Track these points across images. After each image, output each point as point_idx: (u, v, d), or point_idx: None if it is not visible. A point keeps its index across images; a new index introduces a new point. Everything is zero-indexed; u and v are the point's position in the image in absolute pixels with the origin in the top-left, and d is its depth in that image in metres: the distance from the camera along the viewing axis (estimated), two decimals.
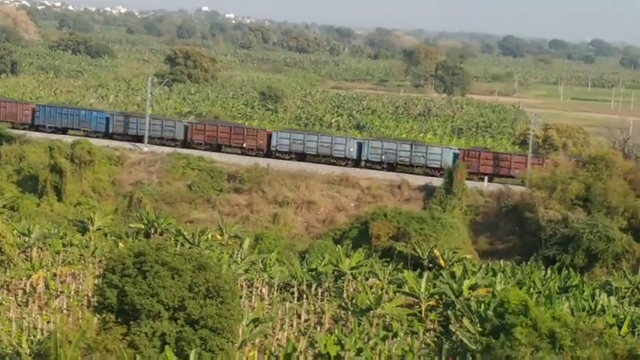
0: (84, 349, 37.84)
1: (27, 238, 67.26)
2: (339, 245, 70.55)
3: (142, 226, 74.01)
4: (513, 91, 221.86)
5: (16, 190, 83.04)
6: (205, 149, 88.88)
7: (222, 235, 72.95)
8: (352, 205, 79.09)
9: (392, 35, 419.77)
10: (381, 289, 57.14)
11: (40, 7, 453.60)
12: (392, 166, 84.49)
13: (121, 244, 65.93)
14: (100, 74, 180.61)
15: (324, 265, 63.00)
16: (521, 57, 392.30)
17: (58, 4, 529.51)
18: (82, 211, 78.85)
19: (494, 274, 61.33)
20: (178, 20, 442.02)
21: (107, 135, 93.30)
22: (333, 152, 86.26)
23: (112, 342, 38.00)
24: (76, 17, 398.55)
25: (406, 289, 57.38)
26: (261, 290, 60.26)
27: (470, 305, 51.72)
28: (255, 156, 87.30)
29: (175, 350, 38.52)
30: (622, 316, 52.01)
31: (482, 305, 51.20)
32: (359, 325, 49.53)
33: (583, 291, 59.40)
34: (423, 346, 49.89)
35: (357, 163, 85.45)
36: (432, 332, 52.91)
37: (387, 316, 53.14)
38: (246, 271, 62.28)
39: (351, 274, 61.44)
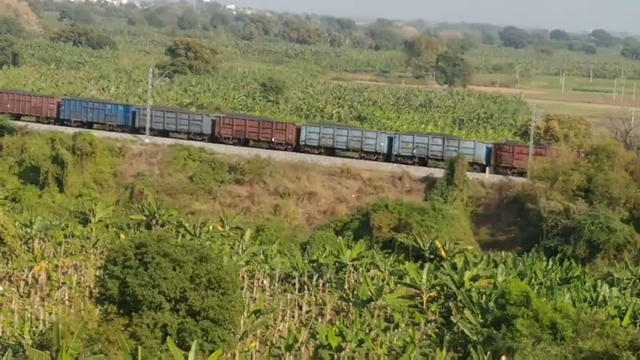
0: (86, 340, 37.93)
1: (29, 230, 67.36)
2: (340, 236, 70.55)
3: (144, 218, 74.09)
4: (514, 82, 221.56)
5: (18, 182, 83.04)
6: (233, 144, 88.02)
7: (223, 226, 73.00)
8: (353, 196, 79.08)
9: (393, 26, 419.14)
10: (382, 281, 57.15)
11: None
12: (423, 161, 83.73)
13: (122, 236, 66.01)
14: (101, 66, 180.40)
15: (326, 257, 63.05)
16: (523, 48, 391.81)
17: None
18: (83, 203, 78.87)
19: (496, 266, 61.36)
20: (179, 11, 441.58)
21: (133, 129, 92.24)
22: (364, 147, 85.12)
23: (113, 333, 38.10)
24: (77, 8, 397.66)
25: (407, 280, 57.42)
26: (262, 282, 60.32)
27: (471, 296, 51.75)
28: (284, 150, 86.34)
29: (177, 341, 38.58)
30: (624, 307, 52.00)
31: (484, 296, 51.26)
32: (360, 316, 49.55)
33: (584, 282, 59.41)
34: (424, 337, 49.94)
35: (387, 157, 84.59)
36: (433, 323, 52.93)
37: (389, 308, 53.18)
38: (247, 262, 62.36)
39: (352, 265, 61.47)
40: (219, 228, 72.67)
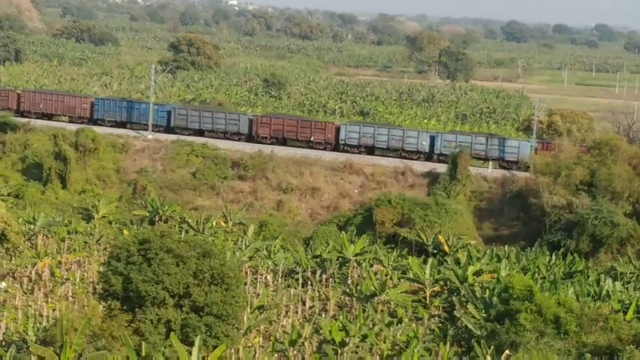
0: (89, 336, 37.98)
1: (32, 226, 67.41)
2: (343, 232, 70.57)
3: (147, 214, 74.12)
4: (517, 76, 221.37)
5: (21, 178, 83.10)
6: (271, 143, 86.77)
7: (226, 222, 73.04)
8: (356, 191, 79.07)
9: (395, 21, 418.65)
10: (386, 276, 57.18)
11: None
12: None
13: (125, 232, 66.03)
14: (104, 62, 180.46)
15: (329, 252, 63.07)
16: (525, 42, 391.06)
17: None
18: (86, 199, 78.92)
19: (499, 260, 61.35)
20: (181, 7, 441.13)
21: (168, 129, 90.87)
22: (405, 146, 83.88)
23: (117, 329, 38.14)
24: (79, 5, 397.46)
25: (411, 275, 57.45)
26: (265, 277, 60.36)
27: (474, 291, 51.76)
28: (323, 149, 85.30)
29: (180, 337, 38.61)
30: (627, 302, 51.99)
31: (487, 291, 51.25)
32: (363, 311, 49.60)
33: (588, 276, 59.42)
34: (427, 332, 49.97)
35: (429, 156, 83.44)
36: (436, 318, 52.96)
37: (392, 303, 53.20)
38: (250, 257, 62.39)
39: (356, 260, 61.48)
40: (223, 224, 72.71)
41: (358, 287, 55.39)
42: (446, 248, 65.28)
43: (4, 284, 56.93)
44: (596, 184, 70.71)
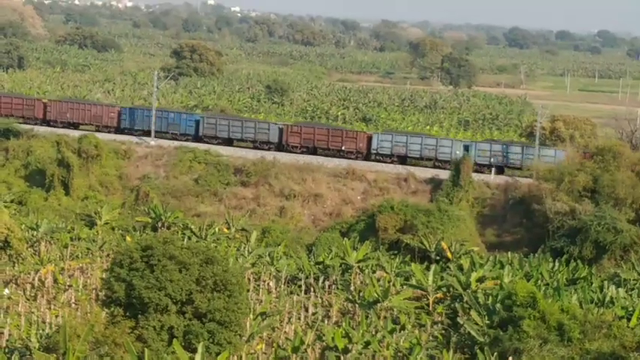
0: (92, 342, 37.93)
1: (35, 233, 67.40)
2: (345, 238, 70.44)
3: (149, 220, 74.11)
4: (520, 82, 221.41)
5: (24, 185, 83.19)
6: (301, 152, 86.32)
7: (229, 228, 73.01)
8: (359, 198, 79.07)
9: (397, 27, 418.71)
10: (389, 282, 57.11)
11: (46, 2, 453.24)
12: (501, 169, 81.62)
13: (128, 238, 66.02)
14: (107, 68, 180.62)
15: (331, 258, 63.02)
16: (528, 48, 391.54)
17: None
18: (89, 206, 78.96)
19: (502, 267, 61.27)
20: (184, 14, 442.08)
21: (196, 138, 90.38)
22: (438, 155, 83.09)
23: (120, 336, 38.10)
24: (82, 11, 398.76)
25: (413, 281, 57.34)
26: (268, 283, 60.30)
27: (477, 298, 51.67)
28: (355, 159, 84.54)
29: (183, 344, 38.60)
30: (631, 308, 51.86)
31: (490, 298, 51.17)
32: (366, 318, 49.53)
33: (591, 283, 59.32)
34: (430, 338, 49.87)
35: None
36: (439, 325, 52.87)
37: (395, 309, 53.13)
38: (253, 264, 62.35)
39: (358, 267, 61.41)
40: (225, 230, 72.68)
41: (361, 294, 55.30)
42: (449, 255, 65.23)
43: (7, 291, 56.91)
44: (599, 190, 70.67)
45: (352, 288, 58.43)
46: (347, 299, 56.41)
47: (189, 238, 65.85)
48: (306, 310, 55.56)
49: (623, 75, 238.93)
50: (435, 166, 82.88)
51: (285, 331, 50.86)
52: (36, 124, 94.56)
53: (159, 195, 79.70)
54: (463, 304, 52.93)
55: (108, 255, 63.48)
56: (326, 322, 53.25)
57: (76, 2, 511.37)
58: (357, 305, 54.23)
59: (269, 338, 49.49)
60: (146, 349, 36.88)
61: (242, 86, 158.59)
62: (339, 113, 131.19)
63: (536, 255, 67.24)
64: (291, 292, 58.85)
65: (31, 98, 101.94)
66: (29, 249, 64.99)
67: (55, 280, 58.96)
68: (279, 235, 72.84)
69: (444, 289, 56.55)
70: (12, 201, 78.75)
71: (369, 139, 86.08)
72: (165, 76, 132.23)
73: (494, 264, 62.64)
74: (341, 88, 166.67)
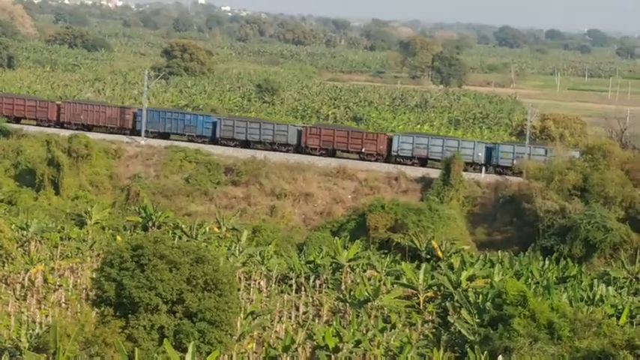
0: (82, 342, 37.87)
1: (25, 232, 67.24)
2: (336, 237, 70.46)
3: (140, 220, 74.00)
4: (510, 81, 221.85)
5: (14, 184, 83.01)
6: (320, 154, 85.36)
7: (219, 227, 72.96)
8: (349, 197, 79.12)
9: (388, 26, 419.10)
10: (379, 281, 57.10)
11: (36, 1, 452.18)
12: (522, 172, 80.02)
13: (118, 238, 65.92)
14: (97, 68, 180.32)
15: (322, 258, 62.98)
16: (518, 47, 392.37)
17: None
18: (79, 205, 78.83)
19: (492, 265, 61.31)
20: (174, 13, 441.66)
21: (213, 140, 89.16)
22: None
23: (110, 335, 38.03)
24: (72, 11, 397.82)
25: (404, 280, 57.38)
26: (259, 283, 60.28)
27: (468, 296, 51.73)
28: (375, 161, 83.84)
29: (174, 343, 38.53)
30: (620, 306, 52.01)
31: (481, 296, 51.23)
32: (357, 317, 49.53)
33: (581, 281, 59.43)
34: (421, 337, 49.89)
35: (485, 168, 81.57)
36: (430, 324, 52.91)
37: (385, 308, 53.13)
38: (243, 263, 62.30)
39: (349, 266, 61.42)
40: (216, 229, 72.62)
41: (352, 293, 55.31)
42: (439, 253, 65.27)
43: None
44: (589, 189, 70.84)
45: (343, 287, 58.45)
46: (338, 298, 56.42)
47: (180, 238, 65.77)
48: (297, 309, 55.56)
49: (613, 74, 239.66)
50: None
51: (275, 331, 50.87)
52: (49, 126, 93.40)
53: (149, 194, 79.60)
54: (454, 302, 52.97)
55: (98, 255, 63.36)
56: (317, 321, 53.26)
57: (66, 1, 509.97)
58: (347, 304, 54.24)
59: (260, 337, 49.47)
60: (136, 349, 36.82)
61: (233, 85, 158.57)
62: (330, 112, 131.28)
63: (527, 253, 67.37)
64: (282, 292, 58.83)
65: (44, 100, 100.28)
66: (19, 249, 64.82)
67: (45, 280, 58.85)
68: (270, 234, 72.82)
69: (435, 288, 56.59)
70: (2, 201, 78.67)
71: (390, 140, 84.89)
72: (155, 76, 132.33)
73: (485, 263, 62.71)
74: (332, 87, 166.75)
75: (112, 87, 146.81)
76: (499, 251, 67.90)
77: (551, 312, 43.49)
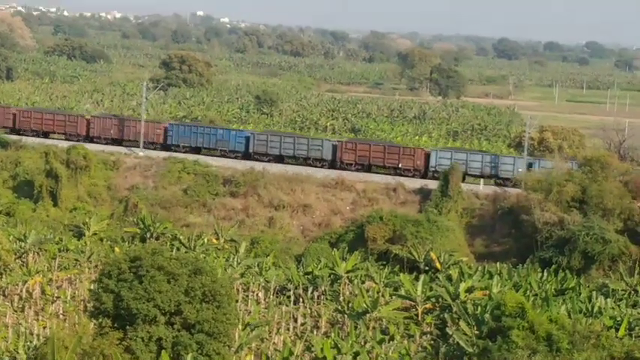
0: (80, 354, 37.79)
1: (23, 244, 67.12)
2: (335, 249, 70.47)
3: (138, 231, 73.96)
4: (508, 93, 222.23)
5: (12, 196, 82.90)
6: (356, 170, 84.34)
7: (218, 239, 72.93)
8: (348, 208, 79.05)
9: (387, 38, 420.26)
10: (378, 293, 57.08)
11: (35, 13, 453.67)
12: None
13: (116, 249, 65.86)
14: (96, 79, 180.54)
15: (320, 269, 62.96)
16: (516, 59, 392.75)
17: (53, 9, 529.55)
18: (77, 216, 78.75)
19: (491, 277, 61.31)
20: (173, 25, 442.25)
21: (246, 155, 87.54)
22: (500, 172, 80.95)
23: (108, 347, 37.95)
24: (71, 23, 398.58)
25: (402, 292, 57.35)
26: (257, 294, 60.22)
27: (466, 308, 51.70)
28: (412, 177, 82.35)
29: (172, 355, 38.48)
30: (619, 318, 52.02)
31: (479, 308, 51.20)
32: (355, 328, 49.50)
33: (580, 293, 59.40)
34: (419, 349, 49.87)
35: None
36: (428, 335, 52.86)
37: (384, 320, 53.11)
38: (242, 275, 62.23)
39: (347, 277, 61.38)
40: (214, 241, 72.59)
41: (350, 304, 55.29)
42: (438, 265, 65.23)
43: None
44: (587, 200, 70.80)
45: (341, 298, 58.40)
46: (336, 310, 56.40)
47: (178, 249, 65.73)
48: (295, 320, 55.50)
49: (611, 86, 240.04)
50: (496, 184, 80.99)
51: (274, 342, 50.80)
52: (78, 140, 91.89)
53: (147, 206, 79.54)
54: (452, 314, 52.93)
55: (96, 266, 63.28)
56: (315, 332, 53.19)
57: (65, 13, 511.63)
58: (346, 316, 54.22)
59: (258, 349, 49.37)
60: None
61: (231, 97, 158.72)
62: (328, 124, 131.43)
63: (525, 265, 67.29)
64: (280, 303, 58.76)
65: (73, 115, 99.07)
66: (17, 260, 64.71)
67: (43, 292, 58.77)
68: (268, 245, 72.77)
69: (433, 300, 56.56)
70: (0, 212, 78.47)
71: (427, 156, 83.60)
72: (154, 87, 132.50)
73: (483, 274, 62.68)
74: (330, 98, 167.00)
75: (111, 98, 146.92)
76: (497, 263, 67.82)
77: (549, 324, 43.40)
